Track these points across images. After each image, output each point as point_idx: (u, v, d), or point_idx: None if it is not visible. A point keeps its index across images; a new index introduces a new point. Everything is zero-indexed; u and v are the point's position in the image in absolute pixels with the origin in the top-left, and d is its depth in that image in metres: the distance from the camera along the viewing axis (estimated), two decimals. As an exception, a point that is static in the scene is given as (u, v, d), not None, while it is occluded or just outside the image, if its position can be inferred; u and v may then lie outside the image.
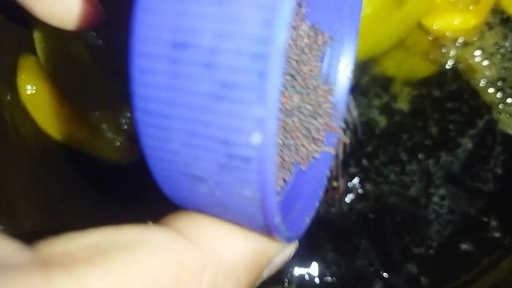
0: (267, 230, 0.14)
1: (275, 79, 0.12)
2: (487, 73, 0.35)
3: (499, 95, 0.35)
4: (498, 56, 0.35)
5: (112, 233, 0.14)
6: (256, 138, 0.12)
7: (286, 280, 0.32)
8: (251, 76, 0.12)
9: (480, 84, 0.35)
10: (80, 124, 0.30)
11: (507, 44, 0.35)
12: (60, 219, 0.29)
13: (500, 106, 0.34)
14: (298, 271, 0.32)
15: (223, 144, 0.12)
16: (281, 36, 0.11)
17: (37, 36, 0.30)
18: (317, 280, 0.32)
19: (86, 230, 0.14)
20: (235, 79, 0.12)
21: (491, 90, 0.35)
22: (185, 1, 0.12)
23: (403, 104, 0.35)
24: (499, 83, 0.35)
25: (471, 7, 0.34)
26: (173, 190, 0.15)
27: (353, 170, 0.33)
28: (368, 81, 0.35)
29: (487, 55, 0.35)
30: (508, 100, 0.34)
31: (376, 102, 0.35)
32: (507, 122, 0.34)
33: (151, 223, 0.15)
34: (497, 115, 0.34)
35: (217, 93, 0.12)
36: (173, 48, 0.12)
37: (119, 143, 0.31)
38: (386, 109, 0.35)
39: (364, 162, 0.34)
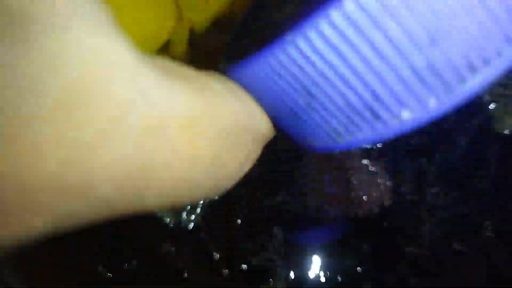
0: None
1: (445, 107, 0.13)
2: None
3: (494, 91, 0.34)
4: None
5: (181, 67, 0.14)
6: (406, 115, 0.12)
7: (271, 280, 0.32)
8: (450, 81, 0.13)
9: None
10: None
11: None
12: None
13: (495, 103, 0.34)
14: (284, 270, 0.32)
15: (372, 96, 0.12)
16: (473, 89, 0.13)
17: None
18: (304, 280, 0.32)
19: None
20: (441, 69, 0.12)
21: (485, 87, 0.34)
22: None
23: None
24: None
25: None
26: (253, 73, 0.15)
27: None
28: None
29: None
30: (503, 98, 0.34)
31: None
32: (503, 120, 0.34)
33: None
34: (492, 113, 0.34)
35: (398, 67, 0.12)
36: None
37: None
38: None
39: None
